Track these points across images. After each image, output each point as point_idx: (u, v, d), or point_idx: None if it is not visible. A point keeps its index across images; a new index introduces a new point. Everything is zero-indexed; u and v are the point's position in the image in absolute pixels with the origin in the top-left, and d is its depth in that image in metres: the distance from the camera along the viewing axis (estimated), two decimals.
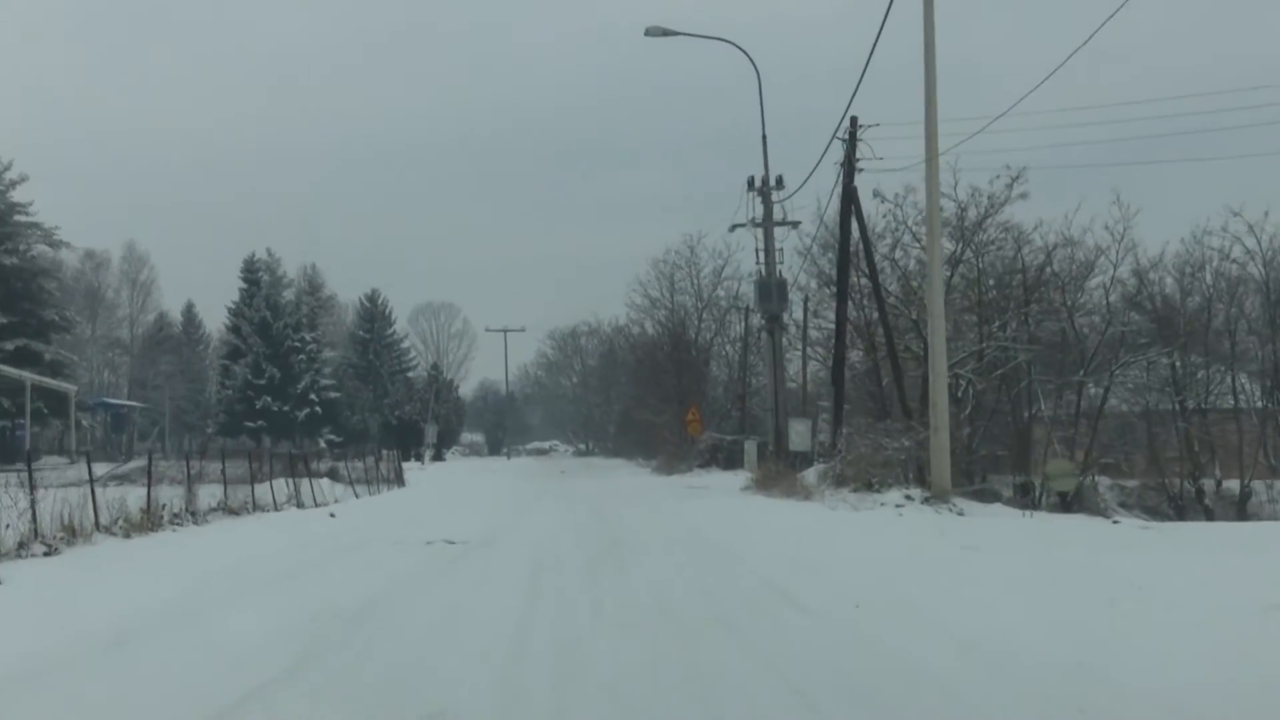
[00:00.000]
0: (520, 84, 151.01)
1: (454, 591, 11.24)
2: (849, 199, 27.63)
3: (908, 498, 21.83)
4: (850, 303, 31.56)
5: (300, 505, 24.64)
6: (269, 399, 76.72)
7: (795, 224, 43.59)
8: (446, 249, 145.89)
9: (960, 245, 31.47)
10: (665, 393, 53.33)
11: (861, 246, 28.50)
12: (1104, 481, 34.95)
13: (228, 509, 19.61)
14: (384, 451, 47.54)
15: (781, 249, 43.59)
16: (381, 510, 24.30)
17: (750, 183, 44.31)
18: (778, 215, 43.84)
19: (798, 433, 42.32)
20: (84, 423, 73.14)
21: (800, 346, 46.65)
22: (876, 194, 30.09)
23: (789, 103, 65.66)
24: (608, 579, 11.97)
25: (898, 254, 31.44)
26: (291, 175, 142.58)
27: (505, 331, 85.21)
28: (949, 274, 30.36)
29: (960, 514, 21.20)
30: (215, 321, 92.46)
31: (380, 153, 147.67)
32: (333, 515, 21.91)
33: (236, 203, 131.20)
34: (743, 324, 52.70)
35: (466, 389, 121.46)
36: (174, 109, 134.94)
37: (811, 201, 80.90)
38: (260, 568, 12.87)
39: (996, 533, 15.77)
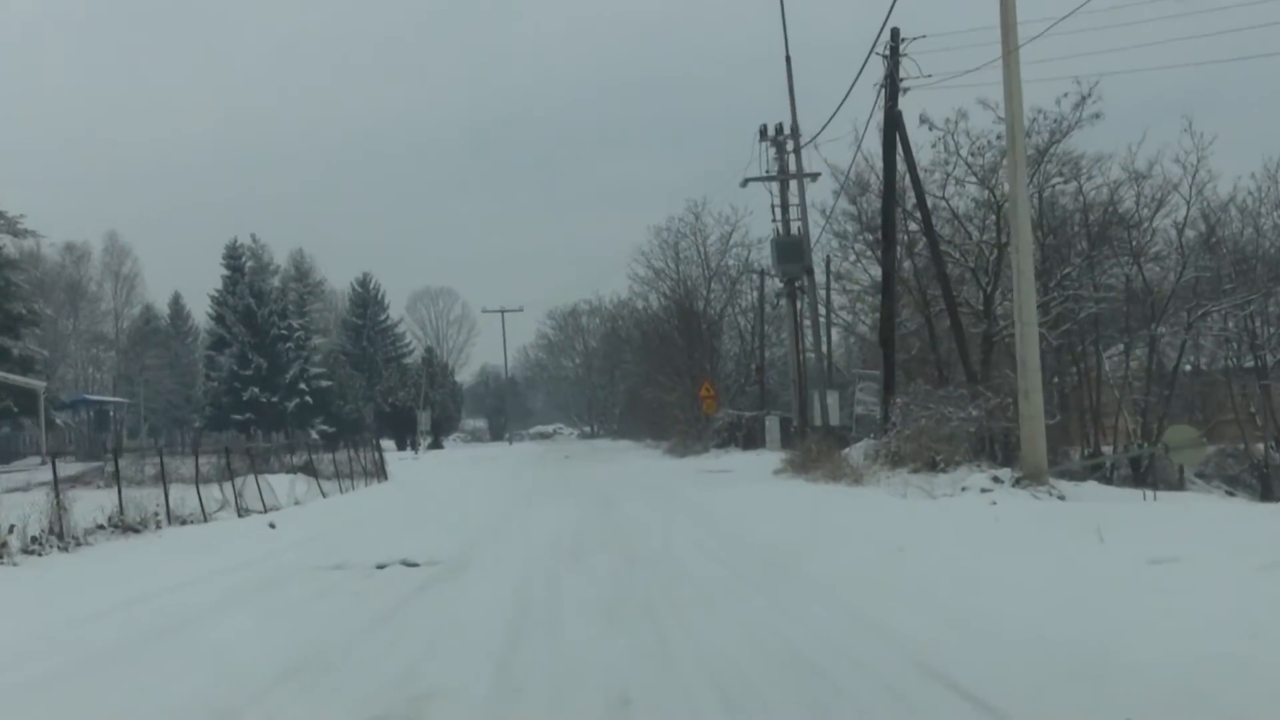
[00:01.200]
0: (526, 72, 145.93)
1: (372, 683, 6.66)
2: (893, 125, 22.93)
3: (995, 480, 17.26)
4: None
5: (241, 512, 20.14)
6: (256, 390, 72.15)
7: (814, 176, 38.99)
8: (445, 238, 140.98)
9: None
10: (675, 369, 48.74)
11: (909, 179, 23.73)
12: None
13: (122, 525, 14.99)
14: (377, 440, 43.45)
15: (800, 205, 39.03)
16: (342, 515, 19.78)
17: (763, 131, 39.61)
18: (795, 167, 39.22)
19: (827, 406, 37.87)
20: (59, 421, 68.80)
21: (821, 312, 42.04)
22: (924, 120, 25.41)
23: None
24: (640, 654, 7.29)
25: (948, 191, 26.71)
26: (288, 167, 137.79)
27: (502, 312, 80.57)
28: (997, 215, 25.77)
29: (1061, 498, 16.68)
30: (204, 314, 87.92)
31: (379, 144, 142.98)
32: (272, 526, 17.39)
33: (225, 194, 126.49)
34: (758, 290, 48.05)
35: (467, 375, 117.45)
36: (166, 102, 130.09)
37: (833, 153, 74.98)
38: (51, 655, 7.76)
39: (1162, 531, 11.16)
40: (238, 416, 72.32)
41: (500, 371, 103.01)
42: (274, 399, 72.49)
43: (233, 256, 77.16)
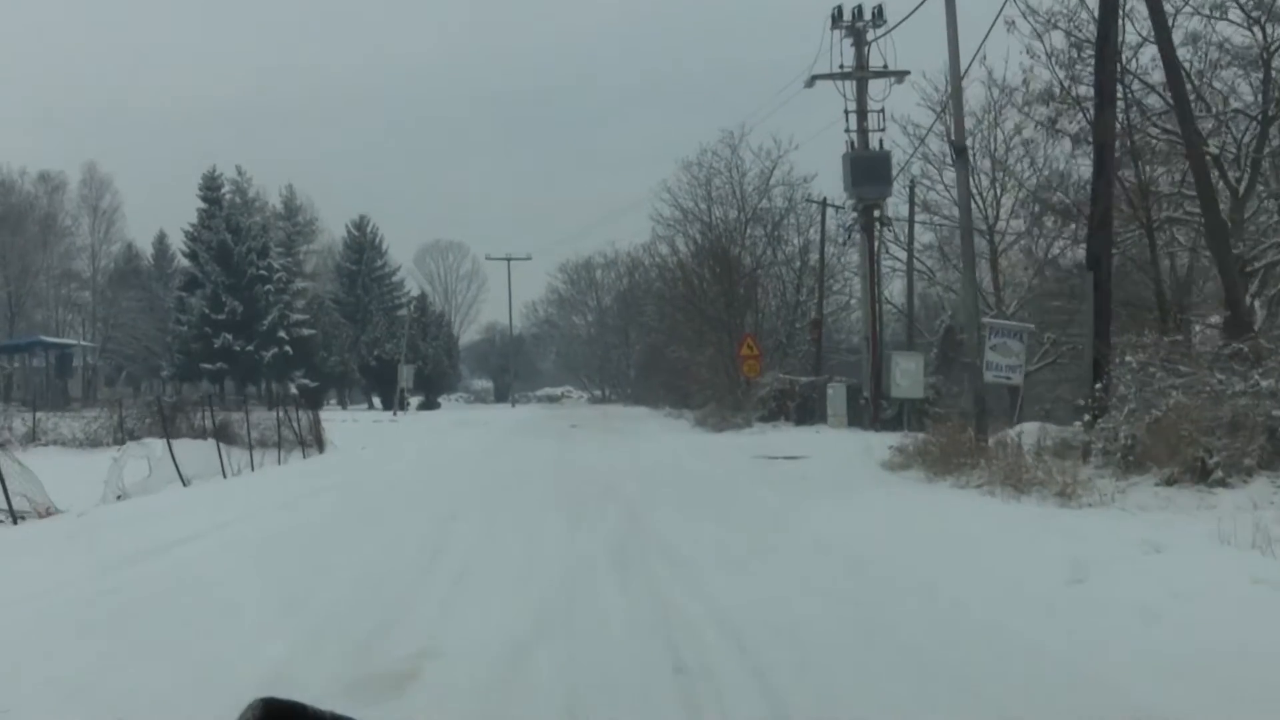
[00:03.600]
0: (555, 30, 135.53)
1: None
2: None
3: None
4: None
5: (14, 516, 11.28)
6: (229, 337, 63.24)
7: (901, 75, 29.74)
8: (457, 192, 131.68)
9: None
10: (707, 324, 39.44)
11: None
12: None
13: None
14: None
15: (881, 111, 29.74)
16: (149, 534, 10.64)
17: (836, 15, 30.27)
18: (875, 62, 29.91)
19: (905, 372, 28.71)
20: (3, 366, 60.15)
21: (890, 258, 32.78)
22: None
23: None
24: None
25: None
26: (297, 116, 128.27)
27: (509, 259, 71.23)
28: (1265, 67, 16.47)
29: None
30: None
31: (405, 99, 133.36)
32: None
33: (220, 136, 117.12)
34: (818, 224, 38.62)
35: (476, 332, 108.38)
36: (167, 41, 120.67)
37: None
38: None
39: None
40: (208, 366, 63.51)
41: (508, 329, 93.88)
42: (249, 347, 63.57)
43: (210, 187, 67.91)
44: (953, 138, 20.24)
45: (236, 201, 72.24)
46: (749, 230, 45.33)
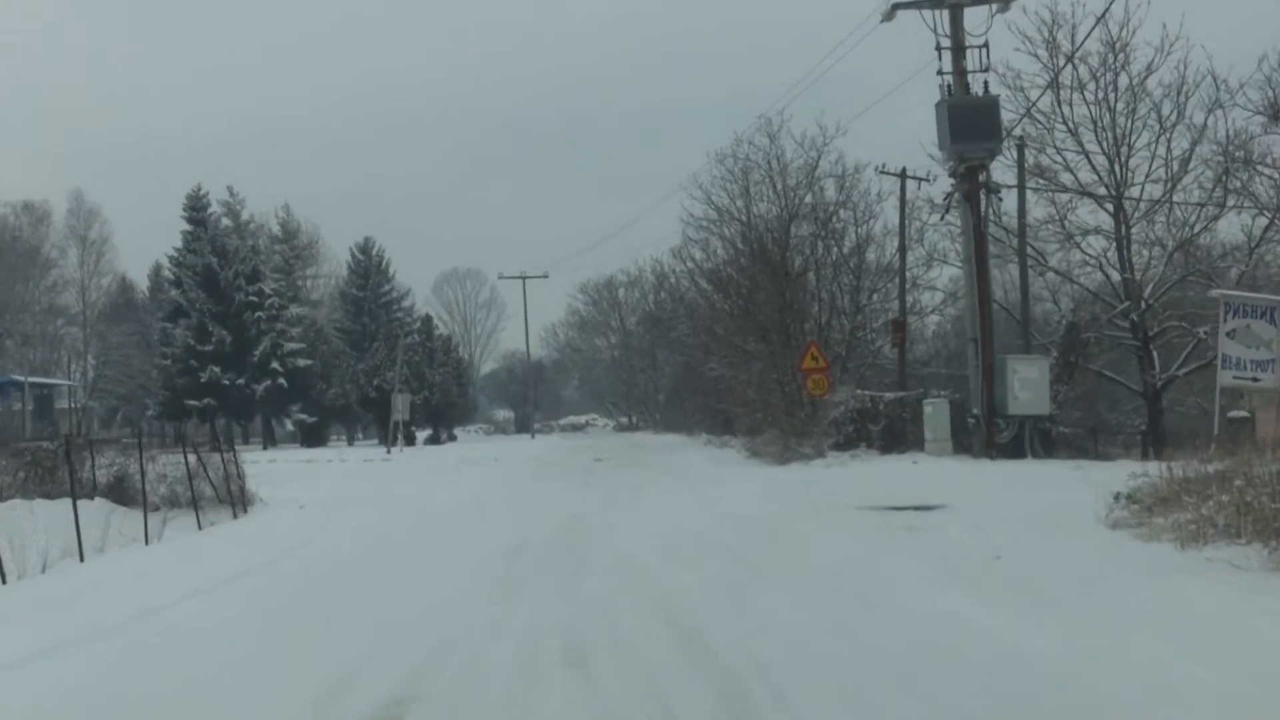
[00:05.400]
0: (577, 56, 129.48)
1: None
2: None
3: None
4: None
5: None
6: (217, 370, 56.69)
7: (1005, 2, 22.93)
8: (475, 220, 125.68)
9: None
10: (755, 333, 32.28)
11: None
12: None
13: None
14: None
15: (984, 47, 22.84)
16: None
17: None
18: None
19: (1025, 382, 21.79)
20: None
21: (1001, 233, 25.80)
22: None
23: None
24: None
25: None
26: (302, 141, 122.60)
27: (523, 278, 64.24)
28: None
29: None
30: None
31: (421, 126, 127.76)
32: None
33: (234, 168, 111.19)
34: (880, 214, 31.86)
35: (495, 361, 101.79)
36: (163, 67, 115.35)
37: None
38: None
39: None
40: (194, 402, 56.91)
41: (526, 354, 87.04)
42: (239, 381, 56.99)
43: (195, 208, 61.56)
44: None
45: (227, 225, 65.97)
46: (793, 228, 38.22)
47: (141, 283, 76.85)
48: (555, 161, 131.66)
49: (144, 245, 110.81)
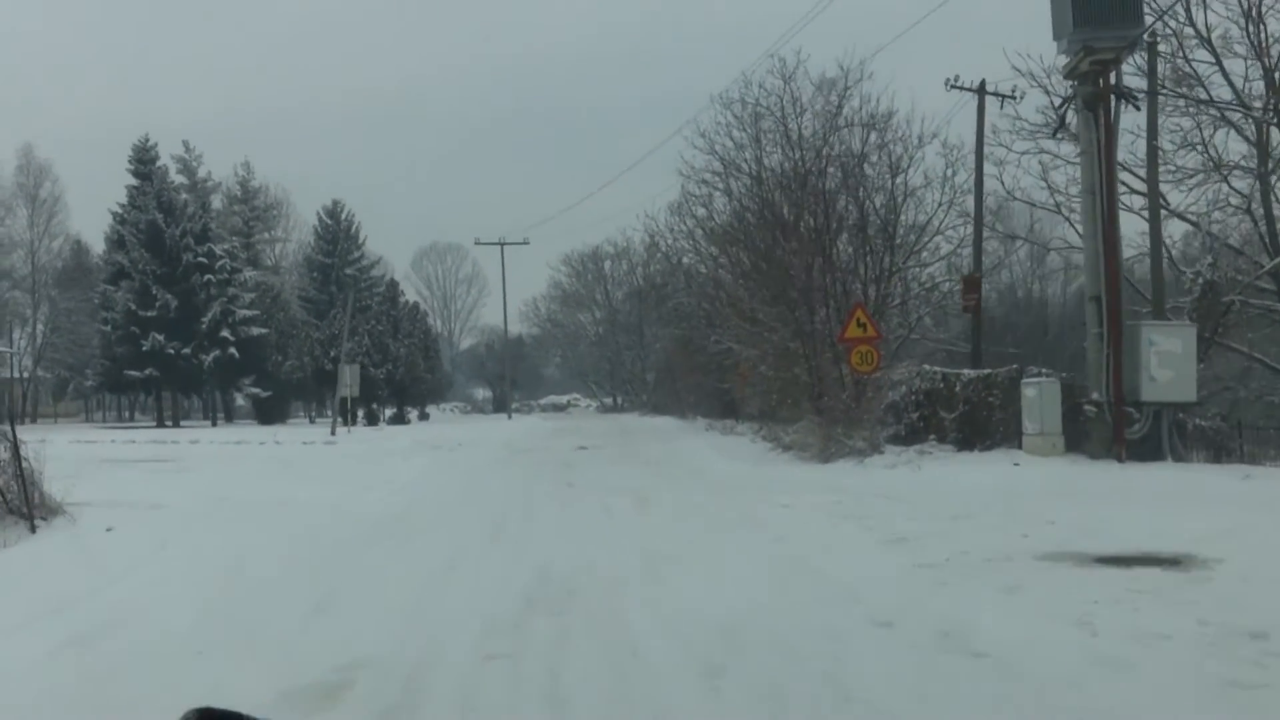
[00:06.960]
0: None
1: None
2: None
3: None
4: None
5: None
6: (161, 337, 50.43)
7: None
8: (459, 204, 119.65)
9: None
10: (776, 299, 26.22)
11: None
12: None
13: None
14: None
15: None
16: None
17: None
18: None
19: (1164, 357, 15.90)
20: None
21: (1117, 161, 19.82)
22: None
23: None
24: None
25: None
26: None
27: (502, 244, 58.07)
28: None
29: None
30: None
31: (406, 105, 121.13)
32: None
33: (229, 147, 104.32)
34: (915, 164, 25.99)
35: (474, 337, 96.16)
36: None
37: None
38: None
39: None
40: (135, 372, 50.65)
41: (504, 328, 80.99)
42: (185, 350, 50.75)
43: (142, 160, 55.05)
44: None
45: (181, 182, 59.66)
46: (808, 181, 32.01)
47: (97, 246, 70.53)
48: (548, 140, 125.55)
49: (101, 207, 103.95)
